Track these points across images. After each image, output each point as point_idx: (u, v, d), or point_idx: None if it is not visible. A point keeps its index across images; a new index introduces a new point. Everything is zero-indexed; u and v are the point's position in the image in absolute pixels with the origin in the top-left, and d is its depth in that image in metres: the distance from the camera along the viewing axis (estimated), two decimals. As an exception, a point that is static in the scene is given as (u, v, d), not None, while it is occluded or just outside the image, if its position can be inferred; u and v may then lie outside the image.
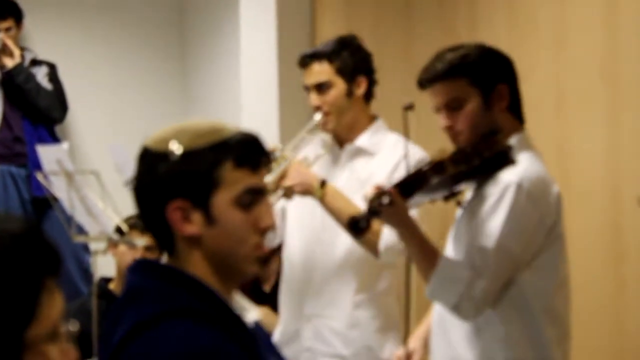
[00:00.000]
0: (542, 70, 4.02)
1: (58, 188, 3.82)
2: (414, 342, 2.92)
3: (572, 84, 3.91)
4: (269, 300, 3.65)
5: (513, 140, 2.56)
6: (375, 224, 2.96)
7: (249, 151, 1.69)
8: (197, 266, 1.68)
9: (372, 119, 3.28)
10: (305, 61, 3.22)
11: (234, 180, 1.67)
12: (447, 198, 2.59)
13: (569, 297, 2.62)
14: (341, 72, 3.19)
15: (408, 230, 2.52)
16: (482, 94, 2.56)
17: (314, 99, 3.19)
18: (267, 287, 3.85)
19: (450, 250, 2.61)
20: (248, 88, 4.72)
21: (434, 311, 2.70)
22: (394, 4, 4.69)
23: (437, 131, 2.67)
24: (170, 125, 1.76)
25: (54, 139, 5.07)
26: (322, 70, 3.19)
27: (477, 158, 2.48)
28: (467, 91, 2.55)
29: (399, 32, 4.56)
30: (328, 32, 4.78)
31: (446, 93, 2.56)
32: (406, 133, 2.65)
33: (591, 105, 3.83)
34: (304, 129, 3.23)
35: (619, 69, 3.72)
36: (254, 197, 1.69)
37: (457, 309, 2.47)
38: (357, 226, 2.51)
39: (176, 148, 1.66)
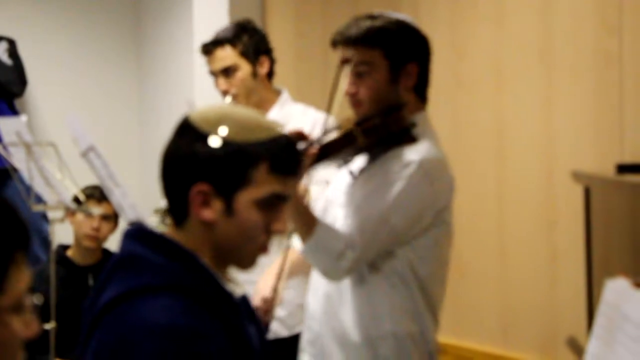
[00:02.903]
0: (482, 48, 4.10)
1: (17, 159, 3.77)
2: (268, 289, 2.97)
3: (511, 61, 3.97)
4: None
5: (416, 119, 2.53)
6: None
7: (286, 158, 1.69)
8: (199, 245, 1.68)
9: (278, 93, 3.40)
10: (208, 48, 3.33)
11: (263, 183, 1.66)
12: (340, 166, 2.58)
13: (445, 285, 2.61)
14: (244, 54, 3.31)
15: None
16: (391, 68, 2.52)
17: (222, 83, 3.31)
18: None
19: (338, 215, 2.57)
20: (202, 65, 4.80)
21: (319, 281, 2.64)
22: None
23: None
24: (218, 105, 1.76)
25: (13, 112, 5.11)
26: (226, 55, 3.30)
27: (384, 131, 2.45)
28: (377, 62, 2.51)
29: (347, 14, 4.67)
30: (279, 15, 4.91)
31: (357, 58, 2.50)
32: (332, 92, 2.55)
33: (529, 83, 3.90)
34: None
35: (555, 49, 3.79)
36: (276, 202, 1.69)
37: (325, 274, 2.50)
38: None
39: (219, 135, 1.65)
